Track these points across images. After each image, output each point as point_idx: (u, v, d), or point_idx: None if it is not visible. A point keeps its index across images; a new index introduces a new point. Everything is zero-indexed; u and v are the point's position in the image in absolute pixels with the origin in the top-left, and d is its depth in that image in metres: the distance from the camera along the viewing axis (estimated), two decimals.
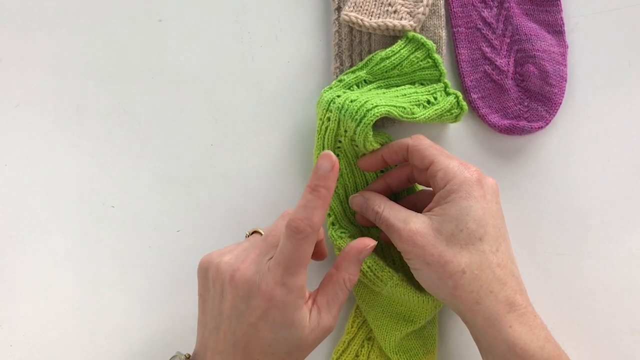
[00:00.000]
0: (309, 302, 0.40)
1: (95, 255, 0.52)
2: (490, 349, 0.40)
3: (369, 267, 0.46)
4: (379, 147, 0.47)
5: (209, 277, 0.41)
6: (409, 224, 0.42)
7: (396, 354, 0.49)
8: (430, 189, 0.46)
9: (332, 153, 0.38)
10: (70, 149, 0.53)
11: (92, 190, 0.53)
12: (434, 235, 0.41)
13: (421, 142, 0.45)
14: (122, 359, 0.51)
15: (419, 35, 0.49)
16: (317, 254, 0.44)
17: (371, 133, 0.45)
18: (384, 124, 0.51)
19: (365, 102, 0.45)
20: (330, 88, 0.48)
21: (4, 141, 0.53)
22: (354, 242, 0.43)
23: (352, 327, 0.50)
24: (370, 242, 0.42)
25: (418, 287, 0.47)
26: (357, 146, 0.47)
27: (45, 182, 0.53)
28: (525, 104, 0.52)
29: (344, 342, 0.50)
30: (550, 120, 0.52)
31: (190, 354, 0.42)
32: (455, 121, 0.51)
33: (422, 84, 0.50)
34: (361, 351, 0.50)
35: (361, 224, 0.50)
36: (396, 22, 0.49)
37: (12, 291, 0.52)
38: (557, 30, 0.53)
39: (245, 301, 0.38)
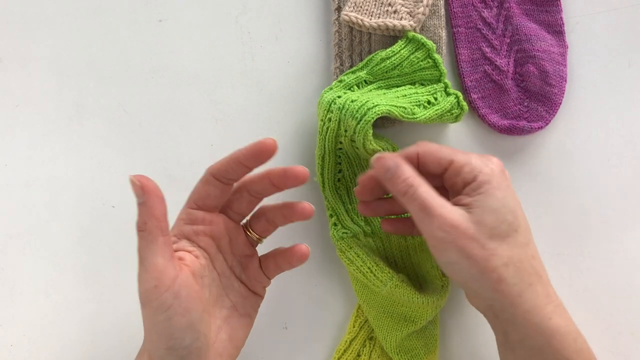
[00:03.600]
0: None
1: (95, 255, 0.52)
2: (523, 342, 0.39)
3: (368, 268, 0.46)
4: (379, 149, 0.47)
5: None
6: (450, 213, 0.39)
7: (397, 354, 0.49)
8: None
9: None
10: (70, 149, 0.53)
11: (92, 190, 0.53)
12: (476, 228, 0.39)
13: (430, 146, 0.42)
14: (122, 359, 0.51)
15: (419, 36, 0.49)
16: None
17: (371, 131, 0.45)
18: (385, 123, 0.51)
19: (366, 102, 0.45)
20: (331, 89, 0.48)
21: (4, 141, 0.53)
22: None
23: (353, 327, 0.50)
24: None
25: (418, 288, 0.47)
26: (357, 148, 0.47)
27: (45, 182, 0.53)
28: (525, 104, 0.52)
29: (346, 341, 0.50)
30: (550, 120, 0.52)
31: None
32: (455, 121, 0.51)
33: (422, 84, 0.50)
34: (363, 351, 0.50)
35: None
36: (396, 22, 0.49)
37: (12, 291, 0.52)
38: (557, 30, 0.53)
39: None
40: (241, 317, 0.43)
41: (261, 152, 0.39)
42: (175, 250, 0.40)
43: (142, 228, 0.37)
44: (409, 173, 0.40)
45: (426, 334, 0.49)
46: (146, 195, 0.37)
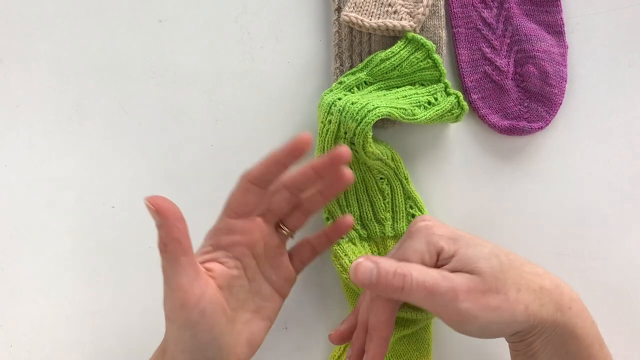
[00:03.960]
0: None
1: (95, 255, 0.52)
2: (547, 343, 0.39)
3: None
4: (378, 152, 0.47)
5: None
6: (455, 280, 0.37)
7: (389, 359, 0.49)
8: None
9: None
10: (70, 149, 0.53)
11: (92, 190, 0.53)
12: (482, 279, 0.37)
13: (377, 306, 0.40)
14: (122, 359, 0.51)
15: (419, 36, 0.49)
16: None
17: (371, 133, 0.45)
18: (385, 124, 0.51)
19: (366, 104, 0.45)
20: (331, 90, 0.48)
21: (4, 141, 0.53)
22: None
23: None
24: None
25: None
26: (356, 152, 0.46)
27: (45, 182, 0.53)
28: (525, 104, 0.52)
29: (340, 348, 0.50)
30: (550, 121, 0.52)
31: None
32: (456, 121, 0.51)
33: (422, 85, 0.50)
34: None
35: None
36: (396, 22, 0.49)
37: (12, 291, 0.52)
38: (557, 30, 0.53)
39: None
40: (261, 320, 0.43)
41: (299, 147, 0.39)
42: (209, 261, 0.40)
43: (163, 249, 0.36)
44: (391, 264, 0.38)
45: (418, 338, 0.49)
46: (162, 218, 0.36)
